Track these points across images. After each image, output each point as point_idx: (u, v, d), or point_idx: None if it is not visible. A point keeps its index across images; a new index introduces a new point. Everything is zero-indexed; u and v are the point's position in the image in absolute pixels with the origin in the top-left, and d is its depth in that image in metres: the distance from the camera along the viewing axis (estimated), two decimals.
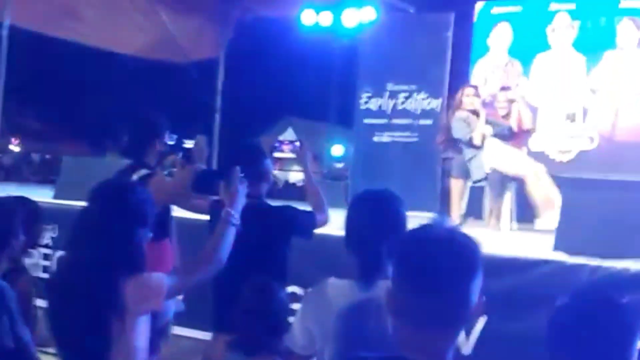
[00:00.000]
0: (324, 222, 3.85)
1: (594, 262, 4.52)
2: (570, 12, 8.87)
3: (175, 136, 4.45)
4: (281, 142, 8.14)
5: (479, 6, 9.45)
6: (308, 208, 3.89)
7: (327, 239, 4.50)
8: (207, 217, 3.84)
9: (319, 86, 11.07)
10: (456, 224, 1.88)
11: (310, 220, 3.76)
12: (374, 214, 2.58)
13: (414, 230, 1.77)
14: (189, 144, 4.25)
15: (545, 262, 4.70)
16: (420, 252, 1.69)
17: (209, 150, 4.25)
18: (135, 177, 4.09)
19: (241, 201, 2.98)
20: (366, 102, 9.68)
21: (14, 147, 23.45)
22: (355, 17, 10.24)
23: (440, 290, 1.64)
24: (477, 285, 1.67)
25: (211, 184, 3.31)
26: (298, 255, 4.47)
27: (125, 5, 10.03)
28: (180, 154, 4.16)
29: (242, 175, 3.05)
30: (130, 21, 10.19)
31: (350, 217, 2.65)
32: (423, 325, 1.64)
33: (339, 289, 2.55)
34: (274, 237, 3.67)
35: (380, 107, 9.60)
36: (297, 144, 4.22)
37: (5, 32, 8.89)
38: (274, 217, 3.70)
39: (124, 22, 10.12)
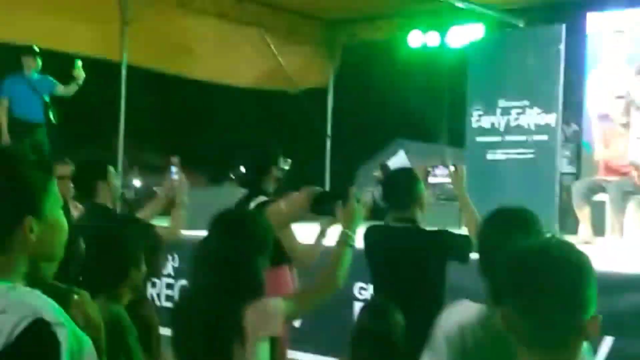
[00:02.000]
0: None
1: None
2: None
3: (290, 160, 4.50)
4: (436, 167, 8.10)
5: (590, 16, 9.17)
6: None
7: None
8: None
9: (428, 107, 11.01)
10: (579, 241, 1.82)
11: (466, 244, 3.69)
12: (509, 234, 2.39)
13: (515, 248, 1.72)
14: None
15: None
16: (521, 269, 1.64)
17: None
18: (253, 205, 4.17)
19: (358, 222, 2.98)
20: (478, 120, 9.52)
21: (136, 181, 24.44)
22: (463, 35, 10.14)
23: (543, 306, 1.59)
24: (588, 302, 1.60)
25: (328, 205, 3.34)
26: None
27: (236, 39, 10.31)
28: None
29: (361, 195, 3.06)
30: (242, 54, 10.46)
31: (483, 237, 2.52)
32: (534, 344, 1.59)
33: (471, 310, 2.46)
34: (428, 262, 3.64)
35: (492, 124, 9.43)
36: (452, 168, 4.17)
37: (124, 72, 9.29)
38: (429, 241, 3.68)
39: (235, 56, 10.40)
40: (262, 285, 2.67)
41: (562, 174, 8.95)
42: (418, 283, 3.54)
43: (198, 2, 9.74)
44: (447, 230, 3.79)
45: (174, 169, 4.19)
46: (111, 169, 4.22)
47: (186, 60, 9.98)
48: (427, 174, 4.25)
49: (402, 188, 3.73)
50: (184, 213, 4.14)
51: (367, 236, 3.84)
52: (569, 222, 8.17)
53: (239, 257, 2.65)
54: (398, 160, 10.38)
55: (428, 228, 3.79)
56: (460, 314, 2.48)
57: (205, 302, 2.64)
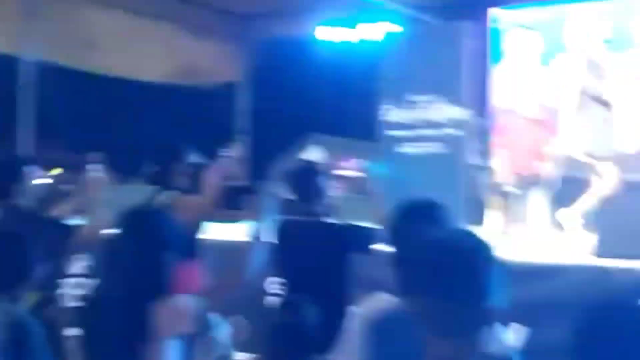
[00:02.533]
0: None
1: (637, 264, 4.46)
2: (591, 13, 8.79)
3: (197, 155, 4.46)
4: (345, 161, 8.15)
5: (494, 12, 9.41)
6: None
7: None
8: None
9: (340, 102, 11.10)
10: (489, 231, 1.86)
11: (371, 236, 3.73)
12: (417, 226, 2.45)
13: (425, 240, 1.75)
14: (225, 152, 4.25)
15: (588, 268, 4.64)
16: (429, 257, 1.67)
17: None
18: (161, 201, 4.12)
19: (270, 217, 2.97)
20: (389, 114, 9.67)
21: (45, 180, 23.73)
22: (373, 31, 10.25)
23: (451, 295, 1.61)
24: (494, 291, 1.64)
25: (240, 199, 3.32)
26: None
27: (145, 33, 10.14)
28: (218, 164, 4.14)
29: (272, 190, 3.05)
30: (153, 49, 10.30)
31: (391, 228, 2.56)
32: (444, 333, 1.62)
33: (387, 305, 2.49)
34: (335, 255, 3.67)
35: (404, 118, 9.59)
36: (356, 162, 4.22)
37: (30, 68, 9.02)
38: (335, 234, 3.71)
39: (146, 51, 10.23)
40: (170, 283, 2.64)
41: (472, 166, 9.16)
42: (326, 276, 3.58)
43: None
44: (352, 223, 3.85)
45: (92, 166, 4.10)
46: (25, 168, 4.11)
47: (95, 55, 9.76)
48: (338, 167, 4.27)
49: (310, 182, 3.76)
50: (103, 211, 4.04)
51: (277, 230, 3.84)
52: (479, 213, 8.36)
53: (144, 254, 2.61)
54: (313, 154, 10.43)
55: (335, 221, 3.83)
56: (373, 306, 2.52)
57: (114, 301, 2.60)
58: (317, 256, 3.45)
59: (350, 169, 4.40)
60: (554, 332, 4.43)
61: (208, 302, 2.79)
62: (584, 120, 7.28)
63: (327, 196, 3.89)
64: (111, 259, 2.70)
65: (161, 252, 2.62)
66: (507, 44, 9.27)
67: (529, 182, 7.38)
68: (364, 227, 3.78)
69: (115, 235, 2.70)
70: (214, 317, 2.87)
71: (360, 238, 3.70)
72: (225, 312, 2.99)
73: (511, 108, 8.11)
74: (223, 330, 2.94)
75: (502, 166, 7.63)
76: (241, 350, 3.84)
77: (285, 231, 3.19)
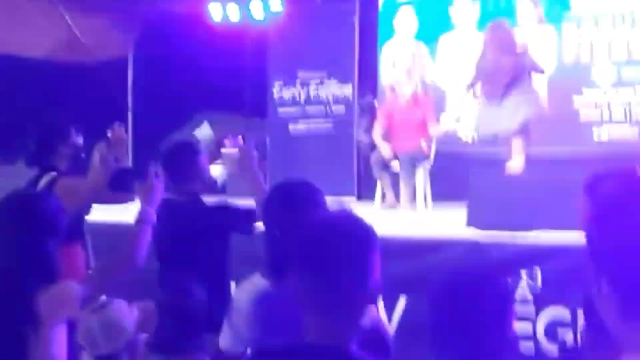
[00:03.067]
0: None
1: (505, 235, 4.70)
2: None
3: (81, 135, 4.36)
4: (225, 138, 8.12)
5: None
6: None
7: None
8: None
9: (231, 79, 11.04)
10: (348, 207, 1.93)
11: (248, 216, 3.74)
12: (290, 205, 2.49)
13: (302, 219, 1.82)
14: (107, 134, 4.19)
15: (460, 242, 4.86)
16: (308, 239, 1.74)
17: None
18: (42, 182, 4.02)
19: (156, 198, 2.97)
20: (279, 92, 9.74)
21: None
22: (263, 9, 10.25)
23: (330, 276, 1.69)
24: (373, 269, 1.73)
25: (127, 182, 3.30)
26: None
27: (25, 8, 9.78)
28: (103, 144, 4.05)
29: (160, 170, 3.03)
30: (32, 24, 9.94)
31: (266, 212, 2.57)
32: (321, 312, 1.69)
33: (254, 285, 2.55)
34: (211, 233, 3.67)
35: (292, 96, 9.68)
36: (240, 140, 4.19)
37: None
38: (210, 213, 3.71)
39: (25, 26, 9.87)
40: (54, 268, 2.63)
41: (359, 143, 9.36)
42: (204, 256, 3.60)
43: None
44: (229, 203, 3.86)
45: None
46: None
47: None
48: (220, 145, 4.27)
49: (183, 161, 3.75)
50: None
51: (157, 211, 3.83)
52: (368, 190, 8.56)
53: (28, 241, 2.58)
54: (203, 132, 10.37)
55: (214, 201, 3.85)
56: (252, 287, 2.57)
57: None
58: (196, 236, 3.46)
59: (232, 146, 4.41)
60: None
61: (95, 285, 2.78)
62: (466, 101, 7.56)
63: (205, 175, 3.88)
64: None
65: (43, 236, 2.60)
66: (397, 21, 9.46)
67: (411, 158, 7.61)
68: (239, 208, 3.79)
69: None
70: (113, 301, 2.87)
71: (239, 217, 3.72)
72: (131, 296, 2.99)
73: (395, 85, 8.30)
74: (121, 312, 2.93)
75: (386, 143, 7.84)
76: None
77: (163, 212, 3.18)
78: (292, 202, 2.48)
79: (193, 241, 3.41)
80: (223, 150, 4.42)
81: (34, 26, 9.95)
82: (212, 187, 8.25)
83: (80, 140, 4.29)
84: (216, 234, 3.70)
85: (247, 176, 3.54)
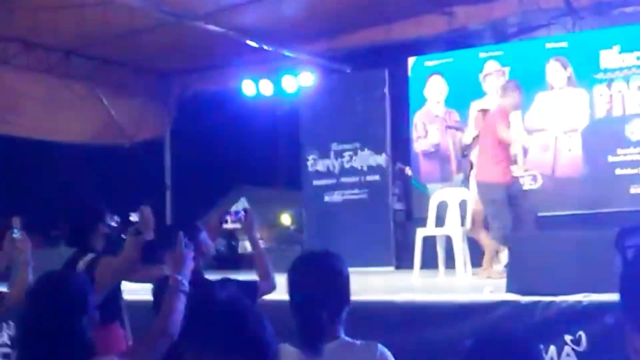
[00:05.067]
0: (271, 289, 3.90)
1: (546, 299, 4.62)
2: (499, 58, 9.18)
3: (116, 217, 4.45)
4: (229, 214, 8.23)
5: (411, 60, 9.71)
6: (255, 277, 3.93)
7: (282, 304, 4.55)
8: None
9: (266, 153, 11.21)
10: None
11: (250, 290, 3.79)
12: (311, 276, 2.53)
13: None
14: (134, 217, 4.26)
15: (501, 304, 4.78)
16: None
17: (156, 220, 4.27)
18: (82, 264, 4.10)
19: (188, 267, 2.99)
20: (313, 165, 9.82)
21: None
22: (294, 83, 10.44)
23: None
24: None
25: (157, 253, 3.33)
26: None
27: (65, 94, 10.09)
28: (133, 229, 4.15)
29: (187, 241, 3.06)
30: (72, 110, 10.24)
31: (289, 281, 2.59)
32: None
33: (289, 356, 2.51)
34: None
35: (327, 167, 9.74)
36: (242, 213, 4.25)
37: None
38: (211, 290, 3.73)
39: (66, 112, 10.17)
40: (90, 345, 2.64)
41: (395, 211, 9.36)
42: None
43: (23, 58, 9.47)
44: (228, 278, 3.88)
45: (15, 230, 4.03)
46: None
47: (13, 118, 9.65)
48: (221, 222, 4.30)
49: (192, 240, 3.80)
50: (27, 275, 3.96)
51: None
52: (406, 257, 8.51)
53: (60, 320, 2.61)
54: (240, 206, 10.48)
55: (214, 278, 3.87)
56: (280, 358, 2.55)
57: None
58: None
59: (233, 222, 4.44)
60: None
61: (135, 358, 2.79)
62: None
63: (207, 252, 3.93)
64: (27, 330, 2.67)
65: (77, 316, 2.63)
66: (428, 90, 9.57)
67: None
68: (241, 282, 3.83)
69: (30, 303, 2.69)
70: None
71: (241, 292, 3.77)
72: None
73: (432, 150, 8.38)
74: None
75: (427, 209, 7.84)
76: None
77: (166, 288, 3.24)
78: (313, 273, 2.50)
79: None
80: (225, 226, 4.45)
81: (73, 112, 10.24)
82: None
83: (115, 221, 4.38)
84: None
85: (251, 242, 3.66)
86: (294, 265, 2.62)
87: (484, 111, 7.80)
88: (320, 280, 2.50)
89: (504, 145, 6.87)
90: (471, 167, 7.77)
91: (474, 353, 1.85)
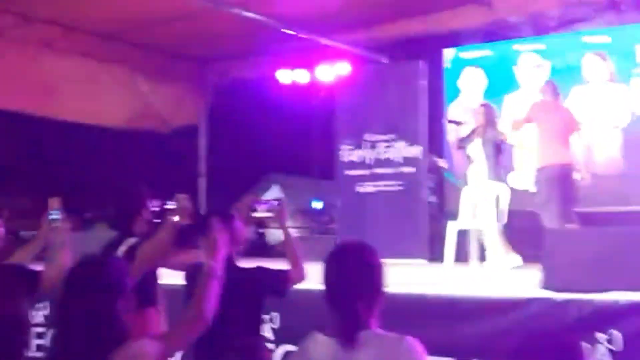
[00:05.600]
0: (301, 279, 3.93)
1: (581, 297, 4.58)
2: (536, 51, 9.08)
3: (158, 199, 4.51)
4: (259, 202, 8.27)
5: (447, 52, 9.65)
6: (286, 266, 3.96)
7: (315, 294, 4.57)
8: None
9: (300, 142, 11.22)
10: None
11: (281, 279, 3.83)
12: (347, 267, 2.55)
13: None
14: (171, 205, 4.31)
15: (534, 301, 4.75)
16: None
17: (193, 208, 4.32)
18: (123, 247, 4.15)
19: (221, 252, 3.00)
20: (347, 154, 9.80)
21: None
22: (330, 73, 10.42)
23: None
24: None
25: (191, 238, 3.37)
26: (291, 312, 4.53)
27: (104, 78, 10.19)
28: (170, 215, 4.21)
29: (221, 227, 3.07)
30: (110, 94, 10.34)
31: (325, 272, 2.60)
32: None
33: (322, 346, 2.53)
34: (245, 298, 3.73)
35: (361, 158, 9.72)
36: (275, 202, 4.28)
37: None
38: (244, 278, 3.77)
39: (104, 96, 10.27)
40: (125, 328, 2.67)
41: (430, 203, 9.32)
42: (237, 319, 3.65)
43: (63, 41, 9.57)
44: (261, 266, 3.91)
45: (54, 210, 4.10)
46: None
47: (52, 100, 9.76)
48: (250, 209, 4.31)
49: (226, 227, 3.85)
50: (64, 257, 4.01)
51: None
52: (438, 250, 8.49)
53: (97, 302, 2.64)
54: (272, 194, 10.52)
55: (247, 265, 3.90)
56: (313, 346, 2.56)
57: (70, 351, 2.62)
58: (230, 299, 3.51)
59: (262, 210, 4.47)
60: None
61: (168, 343, 2.81)
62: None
63: (239, 239, 3.96)
64: (64, 309, 2.71)
65: (113, 299, 2.66)
66: (462, 81, 9.51)
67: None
68: (272, 270, 3.85)
69: (68, 283, 2.73)
70: None
71: (269, 282, 3.80)
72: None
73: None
74: None
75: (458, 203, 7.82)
76: None
77: (193, 273, 3.27)
78: (347, 264, 2.51)
79: (227, 304, 3.45)
80: (254, 214, 4.46)
81: (112, 96, 10.34)
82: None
83: (158, 205, 4.43)
84: (249, 296, 3.75)
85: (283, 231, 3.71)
86: (330, 256, 2.62)
87: (485, 105, 8.09)
88: (356, 271, 2.53)
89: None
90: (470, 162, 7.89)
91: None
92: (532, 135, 7.58)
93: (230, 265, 3.74)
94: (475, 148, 7.87)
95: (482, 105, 8.18)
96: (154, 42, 10.14)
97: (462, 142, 8.04)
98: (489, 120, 7.92)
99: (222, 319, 3.09)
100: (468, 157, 7.98)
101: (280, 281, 3.84)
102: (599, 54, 8.64)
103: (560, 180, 7.10)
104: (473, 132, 7.89)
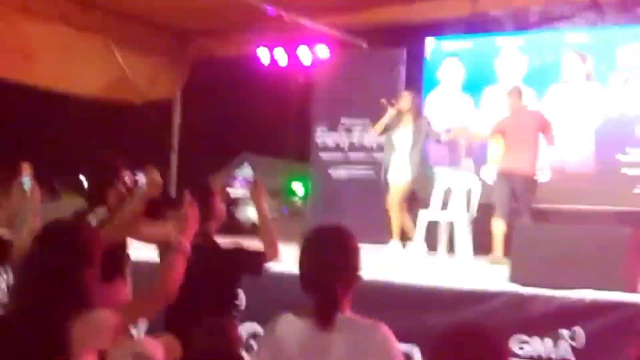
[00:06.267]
0: (276, 259, 3.94)
1: (548, 292, 4.63)
2: (518, 47, 9.11)
3: (131, 171, 4.48)
4: (234, 179, 8.24)
5: (429, 42, 9.65)
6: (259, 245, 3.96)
7: (285, 275, 4.57)
8: None
9: (276, 123, 11.18)
10: None
11: (258, 259, 3.83)
12: (326, 251, 2.53)
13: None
14: (141, 177, 4.28)
15: (501, 294, 4.79)
16: None
17: (163, 182, 4.30)
18: (92, 217, 4.11)
19: (191, 227, 2.97)
20: (322, 137, 9.79)
21: None
22: (309, 55, 10.37)
23: None
24: None
25: (161, 210, 3.34)
26: (258, 292, 4.53)
27: (81, 46, 10.03)
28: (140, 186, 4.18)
29: (193, 199, 3.04)
30: (86, 62, 10.18)
31: (303, 254, 2.58)
32: None
33: (294, 327, 2.52)
34: (221, 276, 3.73)
35: (336, 141, 9.72)
36: (251, 181, 4.27)
37: None
38: (222, 256, 3.76)
39: (79, 64, 10.11)
40: (89, 297, 2.64)
41: None
42: (214, 298, 3.66)
43: (40, 6, 9.40)
44: (239, 245, 3.92)
45: (25, 177, 4.05)
46: None
47: (27, 66, 9.59)
48: (225, 186, 4.33)
49: (197, 201, 3.83)
50: (36, 224, 3.97)
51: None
52: (405, 236, 8.51)
53: (64, 268, 2.60)
54: (245, 172, 10.49)
55: (224, 244, 3.90)
56: (284, 327, 2.55)
57: (30, 316, 2.58)
58: (203, 279, 3.49)
59: (239, 188, 4.51)
60: None
61: (130, 315, 2.78)
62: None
63: (219, 215, 3.95)
64: (27, 273, 2.66)
65: (79, 266, 2.61)
66: (442, 72, 9.52)
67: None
68: (250, 251, 3.86)
69: (34, 248, 2.68)
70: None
71: (247, 261, 3.81)
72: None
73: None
74: (152, 346, 2.94)
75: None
76: None
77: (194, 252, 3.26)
78: (325, 248, 2.51)
79: (203, 281, 3.44)
80: (229, 189, 4.49)
81: (87, 65, 10.19)
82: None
83: (130, 176, 4.40)
84: (225, 274, 3.76)
85: (258, 211, 3.71)
86: (307, 239, 2.61)
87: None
88: (336, 254, 2.52)
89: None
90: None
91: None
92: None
93: (207, 241, 3.73)
94: (402, 136, 7.95)
95: (409, 92, 8.30)
96: (134, 12, 10.00)
97: (387, 127, 8.06)
98: (417, 109, 8.04)
99: (194, 295, 3.08)
100: (391, 143, 8.05)
101: (258, 261, 3.85)
102: (579, 54, 8.69)
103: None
104: (398, 116, 7.97)
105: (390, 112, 8.11)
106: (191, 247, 2.91)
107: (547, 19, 9.24)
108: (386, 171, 8.16)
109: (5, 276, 6.62)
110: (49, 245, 2.66)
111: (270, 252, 3.91)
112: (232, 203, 12.31)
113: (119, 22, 10.22)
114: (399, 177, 8.03)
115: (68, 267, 2.61)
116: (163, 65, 11.17)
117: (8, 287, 6.62)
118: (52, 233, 2.72)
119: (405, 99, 8.09)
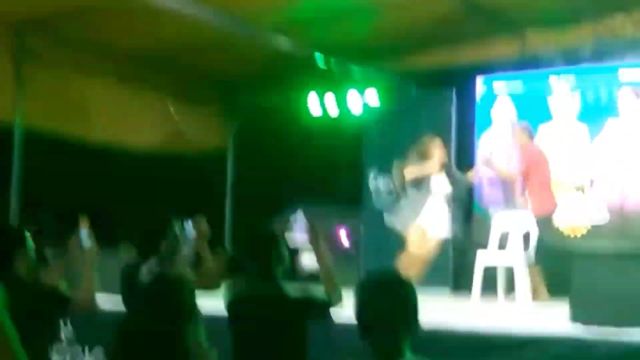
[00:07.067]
0: (339, 303, 3.91)
1: (611, 333, 4.49)
2: (570, 83, 9.00)
3: (185, 224, 4.56)
4: (294, 226, 8.28)
5: (480, 80, 9.59)
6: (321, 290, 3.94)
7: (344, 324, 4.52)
8: None
9: (327, 169, 11.17)
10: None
11: (324, 303, 3.80)
12: (386, 296, 2.46)
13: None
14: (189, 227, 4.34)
15: (566, 339, 4.66)
16: None
17: (211, 232, 4.36)
18: (145, 270, 4.16)
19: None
20: (374, 182, 9.74)
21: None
22: (359, 100, 10.40)
23: None
24: None
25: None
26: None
27: (135, 101, 10.24)
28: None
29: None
30: (141, 118, 10.39)
31: (360, 301, 2.50)
32: None
33: None
34: (289, 321, 3.71)
35: (388, 186, 9.65)
36: (310, 227, 4.25)
37: (16, 132, 9.02)
38: (289, 300, 3.76)
39: (134, 120, 10.33)
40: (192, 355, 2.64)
41: (455, 234, 9.19)
42: (279, 342, 3.64)
43: (96, 65, 9.64)
44: (307, 290, 3.90)
45: (83, 231, 4.10)
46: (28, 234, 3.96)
47: (84, 123, 9.81)
48: (286, 233, 4.38)
49: (264, 248, 3.84)
50: (91, 279, 3.98)
51: (229, 291, 3.97)
52: (463, 282, 8.39)
53: (170, 330, 2.58)
54: (299, 220, 10.47)
55: (291, 290, 3.89)
56: None
57: None
58: (269, 321, 3.48)
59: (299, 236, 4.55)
60: None
61: None
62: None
63: (285, 261, 3.97)
64: (132, 335, 2.62)
65: (183, 325, 2.56)
66: (495, 111, 9.44)
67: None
68: (316, 295, 3.83)
69: (137, 307, 2.66)
70: None
71: (313, 305, 3.79)
72: None
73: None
74: None
75: (487, 236, 7.74)
76: None
77: (238, 293, 3.26)
78: (383, 295, 2.45)
79: (270, 325, 3.42)
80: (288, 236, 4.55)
81: (142, 120, 10.39)
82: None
83: (184, 229, 4.46)
84: (293, 319, 3.74)
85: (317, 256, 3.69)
86: (363, 285, 2.54)
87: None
88: (394, 300, 2.44)
89: None
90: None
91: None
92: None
93: (275, 286, 3.75)
94: (438, 183, 7.79)
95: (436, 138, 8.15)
96: (184, 66, 10.18)
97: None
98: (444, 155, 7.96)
99: (262, 338, 3.04)
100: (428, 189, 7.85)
101: (325, 305, 3.84)
102: (633, 90, 8.55)
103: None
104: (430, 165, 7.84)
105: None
106: (258, 290, 2.93)
107: (599, 55, 9.10)
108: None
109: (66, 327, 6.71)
110: (153, 304, 2.65)
111: (334, 298, 3.89)
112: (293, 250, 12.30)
113: (171, 76, 10.41)
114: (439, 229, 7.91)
115: (174, 327, 2.59)
116: (213, 116, 11.33)
117: (68, 340, 6.69)
118: (154, 291, 2.71)
119: (436, 148, 7.99)
